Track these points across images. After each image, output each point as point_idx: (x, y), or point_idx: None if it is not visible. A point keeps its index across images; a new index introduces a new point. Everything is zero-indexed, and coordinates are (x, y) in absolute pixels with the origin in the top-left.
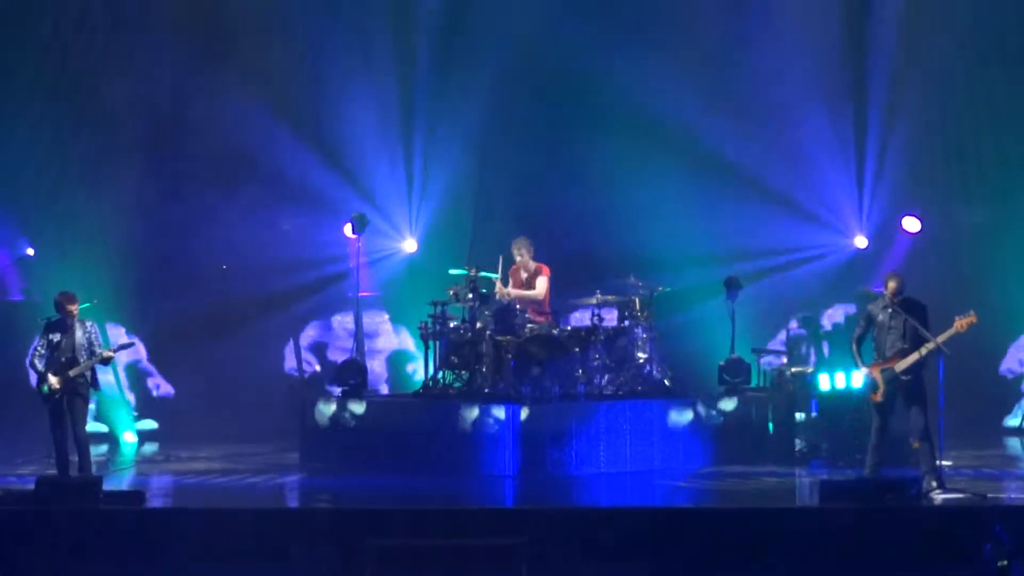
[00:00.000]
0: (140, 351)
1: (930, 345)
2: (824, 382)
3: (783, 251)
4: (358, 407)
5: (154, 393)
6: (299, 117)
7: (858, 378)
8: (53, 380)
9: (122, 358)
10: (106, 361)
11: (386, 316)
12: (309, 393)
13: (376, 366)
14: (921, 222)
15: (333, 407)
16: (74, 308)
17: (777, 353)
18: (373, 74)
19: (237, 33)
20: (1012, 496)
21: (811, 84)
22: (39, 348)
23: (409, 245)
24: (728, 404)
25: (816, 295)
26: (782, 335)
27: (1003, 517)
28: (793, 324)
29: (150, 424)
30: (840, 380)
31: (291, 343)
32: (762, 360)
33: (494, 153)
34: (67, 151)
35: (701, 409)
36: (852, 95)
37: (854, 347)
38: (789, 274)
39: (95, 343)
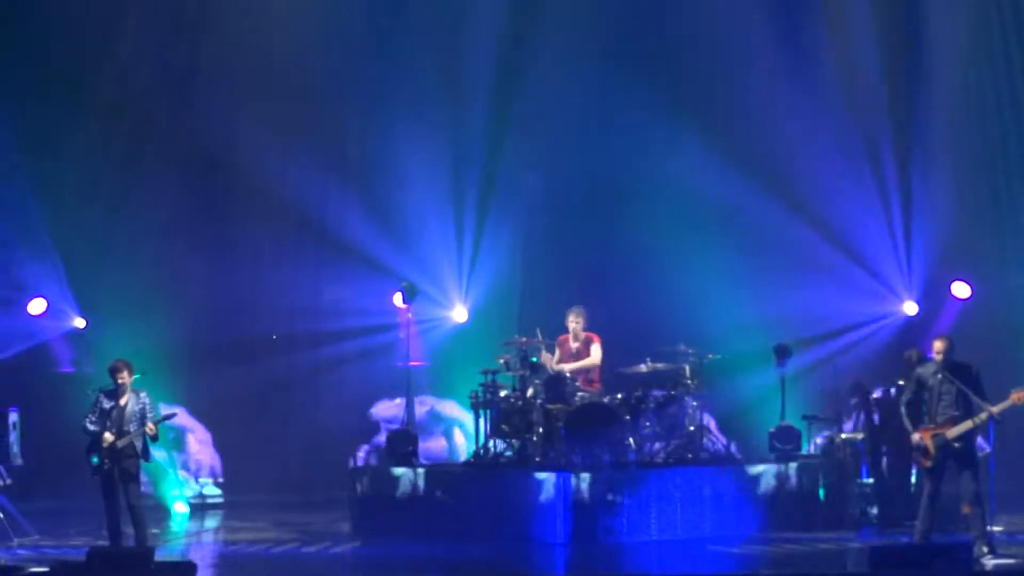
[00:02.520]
0: (190, 423)
1: (984, 415)
2: None
3: (832, 317)
4: (410, 475)
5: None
6: (354, 184)
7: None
8: (108, 436)
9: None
10: (153, 437)
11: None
12: (358, 463)
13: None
14: (971, 287)
15: (384, 475)
16: (124, 375)
17: (827, 421)
18: (430, 143)
19: (301, 99)
20: None
21: (853, 152)
22: (91, 415)
23: (459, 314)
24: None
25: (867, 361)
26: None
27: None
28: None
29: (213, 491)
30: None
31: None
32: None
33: (544, 222)
34: (121, 225)
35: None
36: (895, 161)
37: (903, 411)
38: (839, 340)
39: (147, 414)
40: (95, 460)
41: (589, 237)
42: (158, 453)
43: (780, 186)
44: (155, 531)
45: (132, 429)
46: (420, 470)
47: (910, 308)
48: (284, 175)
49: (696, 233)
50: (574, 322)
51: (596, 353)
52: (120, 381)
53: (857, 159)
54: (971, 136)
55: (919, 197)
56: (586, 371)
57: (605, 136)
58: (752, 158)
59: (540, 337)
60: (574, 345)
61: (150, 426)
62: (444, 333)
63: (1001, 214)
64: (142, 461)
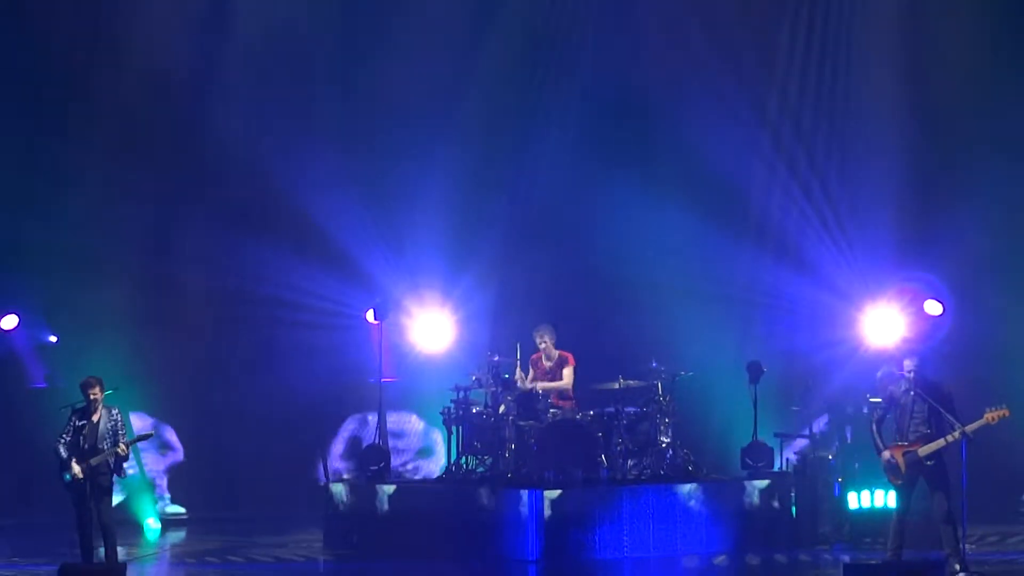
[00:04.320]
0: (176, 445)
1: (956, 434)
2: (852, 500)
3: (805, 335)
4: (382, 491)
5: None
6: (332, 200)
7: (890, 498)
8: (76, 468)
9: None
10: (124, 456)
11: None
12: (332, 478)
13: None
14: (944, 305)
15: (356, 492)
16: (95, 392)
17: (800, 437)
18: (391, 166)
19: (296, 98)
20: None
21: (840, 158)
22: (64, 434)
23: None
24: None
25: (840, 379)
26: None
27: None
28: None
29: (178, 509)
30: (867, 499)
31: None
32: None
33: (514, 240)
34: (93, 240)
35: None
36: (875, 170)
37: (874, 428)
38: (812, 358)
39: (119, 431)
40: (67, 477)
41: (563, 254)
42: (132, 468)
43: (764, 200)
44: (127, 547)
45: (105, 447)
46: (392, 486)
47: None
48: (267, 183)
49: (672, 251)
50: (542, 342)
51: (568, 376)
52: (92, 397)
53: (850, 167)
54: (939, 166)
55: (898, 215)
56: (557, 391)
57: (577, 154)
58: (737, 174)
59: (518, 355)
60: (547, 364)
61: (122, 447)
62: (417, 349)
63: (980, 234)
64: (115, 477)
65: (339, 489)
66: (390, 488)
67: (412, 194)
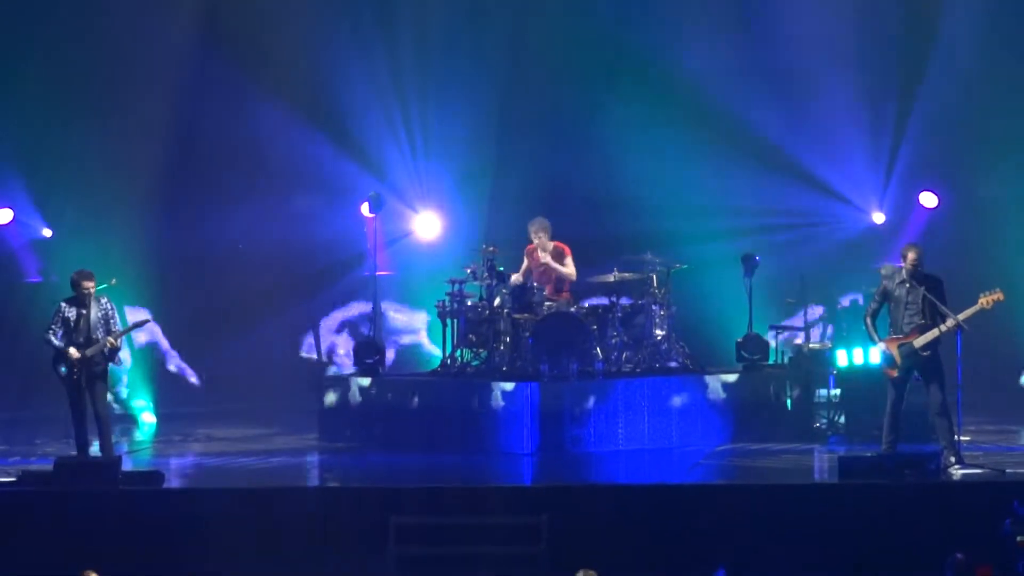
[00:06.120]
0: (157, 334)
1: (951, 323)
2: (842, 358)
3: (801, 226)
4: (376, 385)
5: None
6: (313, 102)
7: (875, 353)
8: (73, 351)
9: (140, 338)
10: (116, 347)
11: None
12: (327, 373)
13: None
14: (938, 197)
15: (350, 385)
16: (90, 285)
17: (794, 330)
18: (385, 55)
19: (242, 19)
20: None
21: (832, 58)
22: (53, 325)
23: (428, 222)
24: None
25: (834, 270)
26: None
27: (1022, 492)
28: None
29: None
30: (858, 356)
31: (312, 331)
32: (779, 337)
33: (510, 133)
34: (86, 134)
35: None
36: (873, 69)
37: (868, 321)
38: (807, 248)
39: (111, 319)
40: (63, 370)
41: (558, 145)
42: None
43: (757, 92)
44: (123, 440)
45: (99, 336)
46: (387, 380)
47: (878, 217)
48: (244, 94)
49: (668, 139)
50: (537, 236)
51: (571, 266)
52: (86, 291)
53: (837, 64)
54: (951, 48)
55: (896, 105)
56: (560, 279)
57: (573, 39)
58: (731, 61)
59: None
60: (543, 255)
61: (111, 340)
62: (412, 243)
63: (972, 125)
64: (110, 365)
65: (334, 382)
66: (385, 381)
67: (407, 85)
